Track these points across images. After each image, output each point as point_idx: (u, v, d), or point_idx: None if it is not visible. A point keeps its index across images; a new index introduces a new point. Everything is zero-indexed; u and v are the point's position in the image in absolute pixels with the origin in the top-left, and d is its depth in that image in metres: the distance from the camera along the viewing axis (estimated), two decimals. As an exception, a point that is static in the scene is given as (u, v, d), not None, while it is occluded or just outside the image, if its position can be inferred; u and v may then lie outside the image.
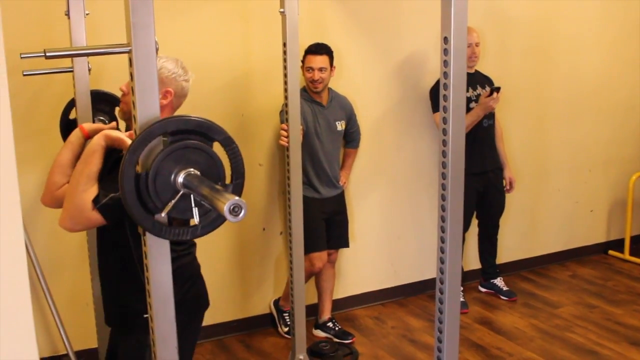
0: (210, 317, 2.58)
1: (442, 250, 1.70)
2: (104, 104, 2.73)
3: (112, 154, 1.98)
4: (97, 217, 1.83)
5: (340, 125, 3.76)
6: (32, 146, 3.27)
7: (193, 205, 1.26)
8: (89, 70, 2.54)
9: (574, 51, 4.79)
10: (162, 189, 1.26)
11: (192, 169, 1.27)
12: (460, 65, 1.63)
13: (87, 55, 2.27)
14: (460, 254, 1.73)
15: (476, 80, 4.12)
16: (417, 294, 4.41)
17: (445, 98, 1.65)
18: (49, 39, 3.16)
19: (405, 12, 4.10)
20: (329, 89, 3.74)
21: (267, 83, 3.71)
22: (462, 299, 4.17)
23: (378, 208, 4.24)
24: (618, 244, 5.15)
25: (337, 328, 3.85)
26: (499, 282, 4.44)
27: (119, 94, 3.15)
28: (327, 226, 3.76)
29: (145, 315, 1.43)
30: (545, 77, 4.72)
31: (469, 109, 3.95)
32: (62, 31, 2.79)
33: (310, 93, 3.64)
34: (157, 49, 1.16)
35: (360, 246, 4.20)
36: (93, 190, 1.85)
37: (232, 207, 1.09)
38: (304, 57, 3.58)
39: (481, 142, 4.08)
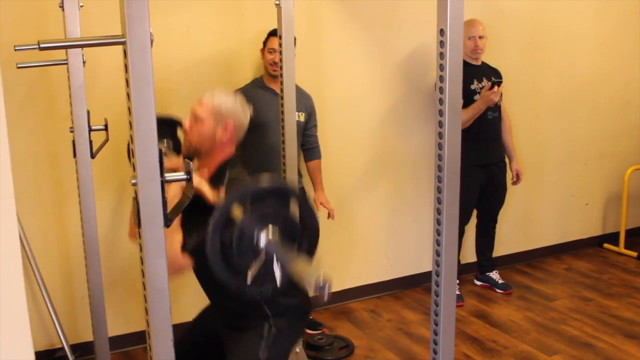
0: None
1: (438, 243, 1.70)
2: (166, 127, 2.74)
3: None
4: (189, 261, 1.97)
5: (298, 116, 3.58)
6: (27, 139, 3.25)
7: (275, 267, 1.34)
8: (84, 62, 2.52)
9: (569, 45, 4.79)
10: (245, 252, 1.34)
11: (271, 227, 1.35)
12: (456, 57, 1.63)
13: (82, 46, 2.26)
14: (456, 246, 1.73)
15: (482, 72, 4.10)
16: (413, 287, 4.41)
17: (441, 90, 1.64)
18: (43, 32, 3.14)
19: (404, 3, 4.09)
20: None
21: (255, 74, 3.69)
22: (457, 292, 4.18)
23: (374, 202, 4.24)
24: (613, 237, 5.16)
25: (308, 318, 3.85)
26: (494, 275, 4.45)
27: (114, 89, 3.15)
28: None
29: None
30: (541, 71, 4.72)
31: (474, 101, 3.95)
32: (56, 24, 2.78)
33: (266, 80, 3.56)
34: (152, 41, 1.15)
35: (356, 239, 4.20)
36: (178, 238, 1.98)
37: (317, 285, 1.15)
38: (267, 39, 3.52)
39: (485, 135, 4.07)
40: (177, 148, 2.65)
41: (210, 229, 1.35)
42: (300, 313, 2.33)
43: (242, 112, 2.29)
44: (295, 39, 3.55)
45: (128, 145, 2.59)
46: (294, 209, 1.43)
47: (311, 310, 2.40)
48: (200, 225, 1.96)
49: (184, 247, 1.96)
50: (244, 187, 1.39)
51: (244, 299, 2.10)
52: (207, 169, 2.22)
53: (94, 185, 2.61)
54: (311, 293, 1.17)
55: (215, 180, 2.16)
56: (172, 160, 2.36)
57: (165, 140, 2.65)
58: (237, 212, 1.37)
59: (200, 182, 2.01)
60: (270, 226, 1.35)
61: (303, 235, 1.43)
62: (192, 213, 2.11)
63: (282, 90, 2.83)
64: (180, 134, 2.68)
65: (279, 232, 1.36)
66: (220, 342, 2.30)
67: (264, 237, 1.33)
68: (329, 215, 3.73)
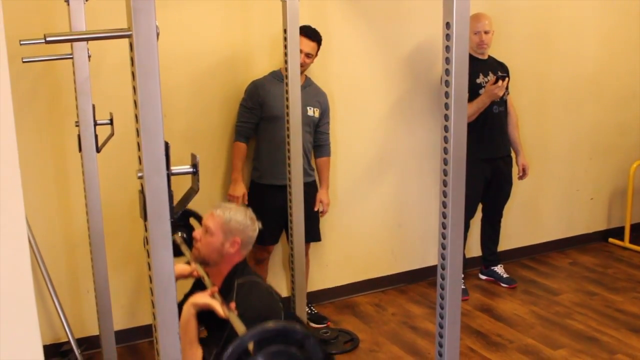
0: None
1: (443, 237, 1.70)
2: (182, 219, 2.79)
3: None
4: None
5: (313, 112, 3.61)
6: (32, 134, 3.26)
7: None
8: (89, 57, 2.52)
9: (575, 39, 4.77)
10: None
11: None
12: (462, 50, 1.63)
13: (88, 40, 2.26)
14: (461, 240, 1.73)
15: (488, 66, 4.09)
16: (417, 281, 4.41)
17: (447, 84, 1.64)
18: (48, 28, 3.14)
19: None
20: (307, 77, 3.66)
21: (269, 67, 3.68)
22: (462, 286, 4.18)
23: (379, 195, 4.24)
24: (618, 232, 5.15)
25: (312, 312, 3.85)
26: (499, 269, 4.45)
27: (118, 85, 3.16)
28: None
29: None
30: (547, 65, 4.71)
31: (479, 95, 3.94)
32: (61, 19, 2.78)
33: (284, 74, 3.57)
34: (157, 34, 1.15)
35: (361, 233, 4.20)
36: (199, 354, 2.15)
37: None
38: None
39: (491, 129, 4.06)
40: (190, 236, 2.70)
41: None
42: None
43: (251, 227, 2.38)
44: (321, 39, 3.56)
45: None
46: (301, 348, 1.52)
47: None
48: (217, 342, 2.12)
49: None
50: (254, 329, 1.50)
51: None
52: (216, 282, 2.32)
53: (99, 180, 2.62)
54: None
55: (225, 291, 2.27)
56: (183, 267, 2.46)
57: (179, 232, 2.73)
58: (247, 348, 1.49)
59: (211, 300, 2.13)
60: None
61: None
62: (209, 330, 2.27)
63: (286, 84, 2.83)
64: (192, 221, 2.76)
65: None
66: None
67: None
68: (321, 212, 3.75)
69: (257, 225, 2.42)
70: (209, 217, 2.37)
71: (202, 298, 2.17)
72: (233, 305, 2.12)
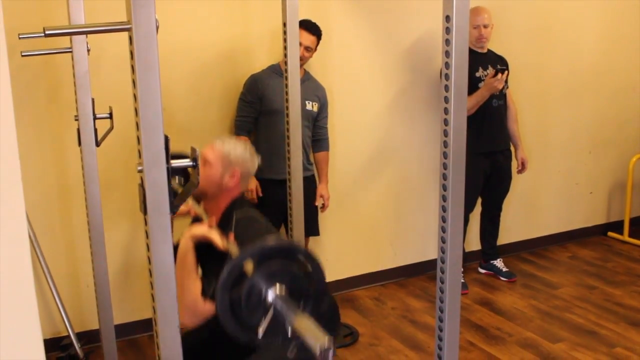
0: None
1: (443, 230, 1.70)
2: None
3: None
4: (211, 306, 2.02)
5: (312, 106, 3.60)
6: (31, 128, 3.25)
7: (286, 324, 1.38)
8: (88, 50, 2.51)
9: (573, 32, 4.77)
10: (255, 308, 1.40)
11: (278, 285, 1.39)
12: (462, 44, 1.62)
13: (87, 33, 2.25)
14: (461, 234, 1.73)
15: (488, 60, 4.09)
16: (417, 275, 4.42)
17: (447, 77, 1.64)
18: (47, 20, 3.14)
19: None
20: (306, 71, 3.66)
21: (269, 61, 3.68)
22: (462, 280, 4.18)
23: (379, 189, 4.24)
24: (617, 226, 5.16)
25: None
26: (498, 263, 4.45)
27: (117, 80, 3.15)
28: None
29: None
30: (546, 58, 4.70)
31: (479, 89, 3.94)
32: (60, 13, 2.77)
33: (284, 67, 3.56)
34: (157, 27, 1.14)
35: (361, 227, 4.20)
36: (198, 285, 2.07)
37: (322, 350, 1.21)
38: None
39: (490, 123, 4.06)
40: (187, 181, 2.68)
41: (219, 289, 1.41)
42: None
43: (251, 161, 2.36)
44: (321, 33, 3.55)
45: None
46: (301, 266, 1.46)
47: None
48: (217, 275, 2.08)
49: (206, 294, 2.04)
50: (251, 247, 1.43)
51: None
52: (214, 216, 2.27)
53: (99, 174, 2.61)
54: (317, 358, 1.22)
55: (223, 224, 2.23)
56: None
57: (177, 177, 2.70)
58: (246, 269, 1.42)
59: (210, 232, 2.08)
60: (277, 284, 1.39)
61: (310, 292, 1.48)
62: (209, 262, 2.19)
63: (286, 78, 2.82)
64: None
65: (286, 290, 1.41)
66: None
67: (272, 294, 1.39)
68: (322, 207, 3.74)
69: (257, 161, 2.40)
70: (208, 148, 2.33)
71: (200, 229, 2.12)
72: (232, 236, 2.08)
